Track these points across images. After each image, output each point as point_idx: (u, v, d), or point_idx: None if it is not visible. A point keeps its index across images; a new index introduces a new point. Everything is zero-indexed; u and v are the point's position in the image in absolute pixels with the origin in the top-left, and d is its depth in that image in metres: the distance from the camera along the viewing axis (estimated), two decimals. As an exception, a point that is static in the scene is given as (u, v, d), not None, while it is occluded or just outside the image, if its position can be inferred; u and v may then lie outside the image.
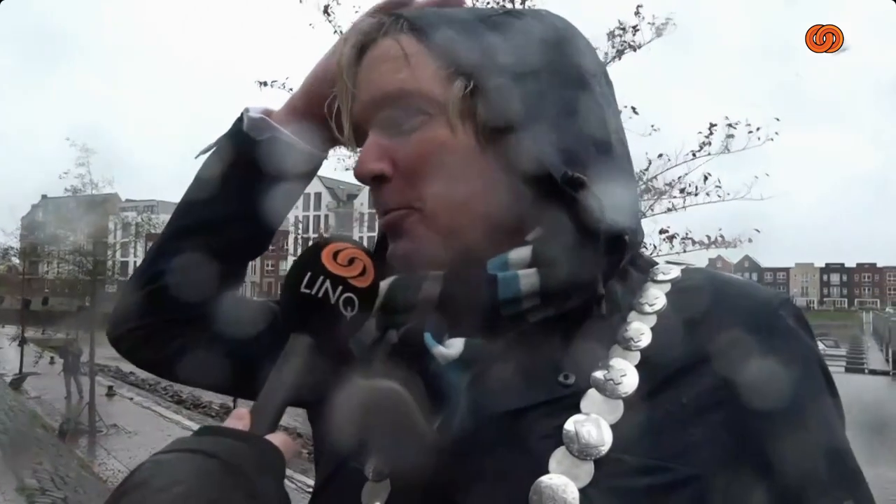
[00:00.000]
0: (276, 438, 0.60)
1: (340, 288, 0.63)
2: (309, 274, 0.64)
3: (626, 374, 0.60)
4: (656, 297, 0.65)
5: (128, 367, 23.78)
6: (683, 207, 6.69)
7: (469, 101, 0.65)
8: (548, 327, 0.63)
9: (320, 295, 0.63)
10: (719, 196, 6.62)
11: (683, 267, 0.69)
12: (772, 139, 6.35)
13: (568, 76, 0.68)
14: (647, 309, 0.64)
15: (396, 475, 0.64)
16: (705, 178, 6.56)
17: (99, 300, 14.36)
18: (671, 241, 6.74)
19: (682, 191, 6.61)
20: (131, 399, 16.53)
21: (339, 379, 0.66)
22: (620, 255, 0.65)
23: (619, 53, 6.36)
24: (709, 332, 0.61)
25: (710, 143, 6.46)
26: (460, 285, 0.65)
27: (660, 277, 0.67)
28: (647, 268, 0.69)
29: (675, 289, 0.66)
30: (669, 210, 6.74)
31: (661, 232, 6.82)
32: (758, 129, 6.39)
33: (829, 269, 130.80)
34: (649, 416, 0.59)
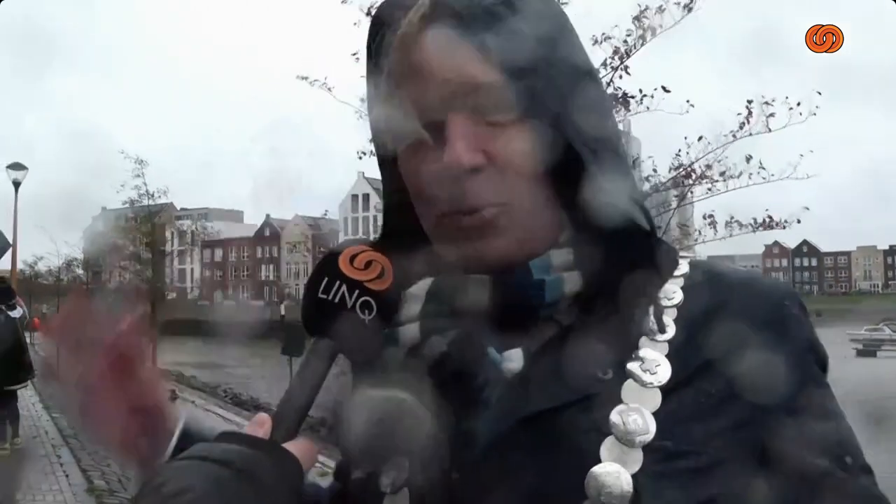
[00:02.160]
0: (296, 445, 0.61)
1: (357, 292, 0.65)
2: (326, 279, 0.65)
3: (659, 364, 0.63)
4: (673, 291, 0.68)
5: (189, 371, 24.39)
6: (727, 190, 6.49)
7: (547, 108, 0.65)
8: (582, 325, 0.66)
9: (337, 299, 0.65)
10: (763, 178, 6.40)
11: (689, 260, 0.72)
12: (814, 113, 6.11)
13: (586, 68, 0.71)
14: (666, 302, 0.67)
15: (413, 485, 0.65)
16: (748, 160, 6.35)
17: (159, 307, 14.77)
18: (714, 227, 6.57)
19: (722, 174, 6.40)
20: (193, 402, 16.94)
21: (360, 387, 0.68)
22: (652, 252, 0.68)
23: (642, 38, 6.22)
24: (727, 325, 0.64)
25: (748, 123, 6.25)
26: (506, 288, 0.66)
27: (674, 272, 0.70)
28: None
29: (688, 283, 0.68)
30: (709, 190, 6.55)
31: (705, 217, 6.68)
32: (798, 104, 6.15)
33: (892, 251, 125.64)
34: (684, 404, 0.62)
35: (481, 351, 0.66)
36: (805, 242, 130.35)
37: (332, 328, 0.65)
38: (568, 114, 0.66)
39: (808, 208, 6.71)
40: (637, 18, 6.25)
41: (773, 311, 0.66)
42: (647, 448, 0.60)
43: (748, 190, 6.51)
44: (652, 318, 0.66)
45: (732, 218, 6.57)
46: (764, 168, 6.37)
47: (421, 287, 0.69)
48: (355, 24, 6.54)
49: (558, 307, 0.66)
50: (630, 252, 0.66)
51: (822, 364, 0.68)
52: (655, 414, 0.61)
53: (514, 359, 0.66)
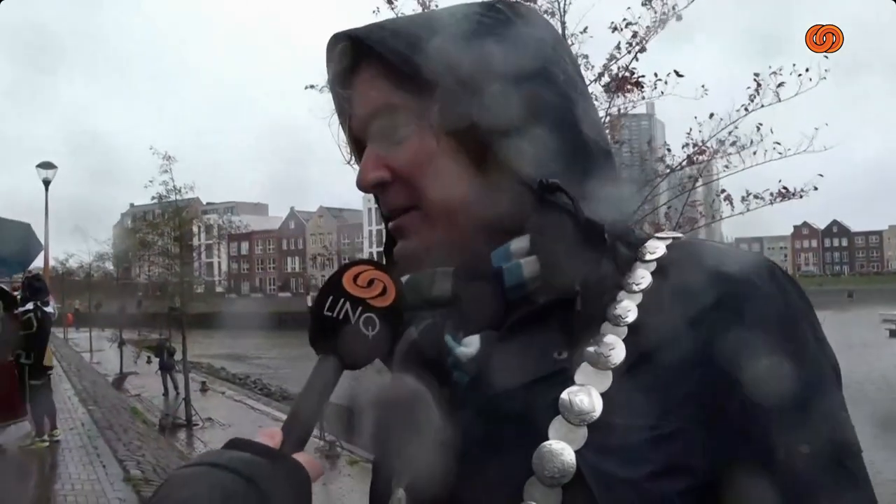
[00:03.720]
0: (303, 458, 0.63)
1: (360, 309, 0.68)
2: (330, 298, 0.69)
3: (614, 347, 0.66)
4: (643, 276, 0.70)
5: (219, 363, 24.75)
6: (744, 167, 6.38)
7: (447, 111, 0.71)
8: (545, 311, 0.69)
9: (341, 317, 0.68)
10: (780, 154, 6.24)
11: (669, 242, 0.73)
12: (824, 78, 5.89)
13: (531, 74, 0.72)
14: (635, 288, 0.69)
15: (412, 468, 0.70)
16: (758, 128, 6.21)
17: (188, 300, 14.95)
18: (731, 203, 6.48)
19: (733, 144, 6.29)
20: (223, 393, 17.18)
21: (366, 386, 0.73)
22: (601, 243, 0.69)
23: (662, 23, 6.14)
24: (689, 303, 0.66)
25: (758, 94, 6.11)
26: (469, 279, 0.71)
27: (647, 257, 0.72)
28: (637, 246, 0.73)
29: (659, 266, 0.70)
30: (727, 167, 6.45)
31: (717, 194, 6.61)
32: (806, 70, 5.92)
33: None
34: (636, 382, 0.65)
35: (440, 339, 0.71)
36: (835, 222, 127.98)
37: (336, 345, 0.67)
38: (490, 120, 0.69)
39: (821, 175, 6.54)
40: (648, 1, 6.15)
41: (737, 284, 0.66)
42: (594, 426, 0.63)
43: (767, 168, 6.42)
44: (615, 304, 0.68)
45: (748, 192, 6.46)
46: (779, 143, 6.26)
47: (398, 283, 0.73)
48: (374, 12, 6.49)
49: (525, 289, 0.70)
50: (589, 248, 0.68)
51: (804, 329, 0.67)
52: (606, 394, 0.64)
53: (469, 344, 0.70)
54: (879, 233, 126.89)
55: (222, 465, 0.59)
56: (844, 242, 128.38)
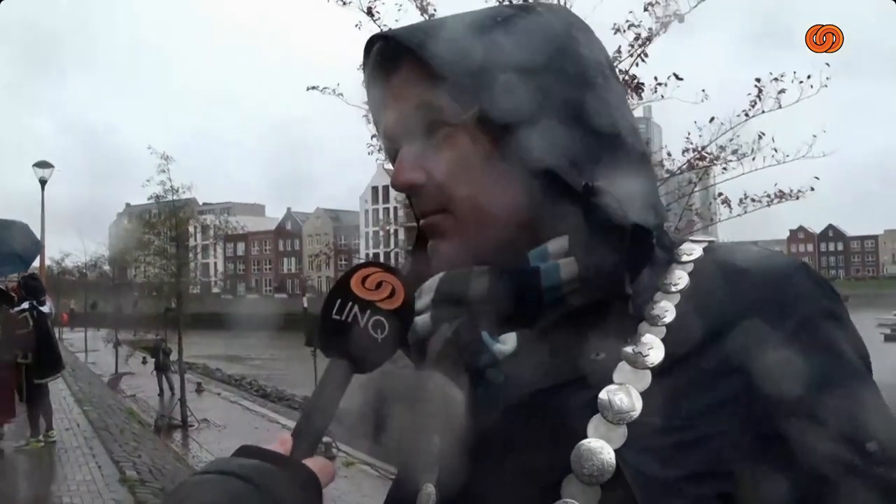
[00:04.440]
0: (315, 462, 0.63)
1: (369, 312, 0.67)
2: (339, 301, 0.68)
3: (652, 347, 0.66)
4: (680, 277, 0.70)
5: (214, 363, 24.70)
6: (743, 173, 6.41)
7: (485, 114, 0.70)
8: (582, 311, 0.68)
9: (350, 320, 0.67)
10: (777, 161, 6.28)
11: (706, 245, 0.73)
12: (825, 85, 5.92)
13: (571, 75, 0.72)
14: (672, 289, 0.69)
15: (442, 464, 0.70)
16: (760, 137, 6.24)
17: (184, 301, 14.92)
18: (729, 206, 6.53)
19: (734, 152, 6.32)
20: (219, 394, 17.15)
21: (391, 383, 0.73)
22: (648, 247, 0.69)
23: (665, 26, 6.16)
24: (726, 306, 0.66)
25: (760, 100, 6.12)
26: (506, 278, 0.70)
27: (683, 258, 0.72)
28: (672, 248, 0.73)
29: (697, 268, 0.70)
30: (724, 170, 6.49)
31: (715, 198, 6.67)
32: (808, 77, 5.94)
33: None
34: (674, 382, 0.64)
35: (477, 336, 0.70)
36: (831, 227, 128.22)
37: (346, 348, 0.67)
38: (529, 123, 0.69)
39: (818, 178, 6.57)
40: (650, 5, 6.17)
41: (773, 288, 0.67)
42: (633, 425, 0.63)
43: (765, 172, 6.45)
44: (652, 304, 0.68)
45: (745, 195, 6.49)
46: (777, 150, 6.27)
47: (433, 280, 0.74)
48: (357, 26, 6.49)
49: (562, 291, 0.69)
50: (634, 249, 0.67)
51: (835, 333, 0.67)
52: (645, 393, 0.64)
53: (507, 342, 0.69)
54: (875, 237, 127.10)
55: (233, 473, 0.59)
56: (840, 247, 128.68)
